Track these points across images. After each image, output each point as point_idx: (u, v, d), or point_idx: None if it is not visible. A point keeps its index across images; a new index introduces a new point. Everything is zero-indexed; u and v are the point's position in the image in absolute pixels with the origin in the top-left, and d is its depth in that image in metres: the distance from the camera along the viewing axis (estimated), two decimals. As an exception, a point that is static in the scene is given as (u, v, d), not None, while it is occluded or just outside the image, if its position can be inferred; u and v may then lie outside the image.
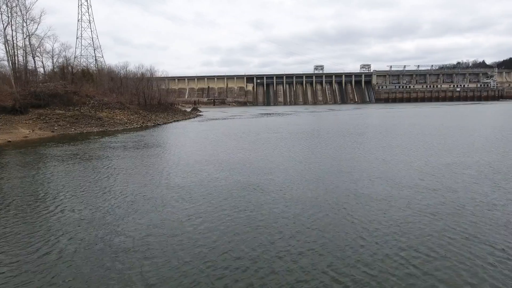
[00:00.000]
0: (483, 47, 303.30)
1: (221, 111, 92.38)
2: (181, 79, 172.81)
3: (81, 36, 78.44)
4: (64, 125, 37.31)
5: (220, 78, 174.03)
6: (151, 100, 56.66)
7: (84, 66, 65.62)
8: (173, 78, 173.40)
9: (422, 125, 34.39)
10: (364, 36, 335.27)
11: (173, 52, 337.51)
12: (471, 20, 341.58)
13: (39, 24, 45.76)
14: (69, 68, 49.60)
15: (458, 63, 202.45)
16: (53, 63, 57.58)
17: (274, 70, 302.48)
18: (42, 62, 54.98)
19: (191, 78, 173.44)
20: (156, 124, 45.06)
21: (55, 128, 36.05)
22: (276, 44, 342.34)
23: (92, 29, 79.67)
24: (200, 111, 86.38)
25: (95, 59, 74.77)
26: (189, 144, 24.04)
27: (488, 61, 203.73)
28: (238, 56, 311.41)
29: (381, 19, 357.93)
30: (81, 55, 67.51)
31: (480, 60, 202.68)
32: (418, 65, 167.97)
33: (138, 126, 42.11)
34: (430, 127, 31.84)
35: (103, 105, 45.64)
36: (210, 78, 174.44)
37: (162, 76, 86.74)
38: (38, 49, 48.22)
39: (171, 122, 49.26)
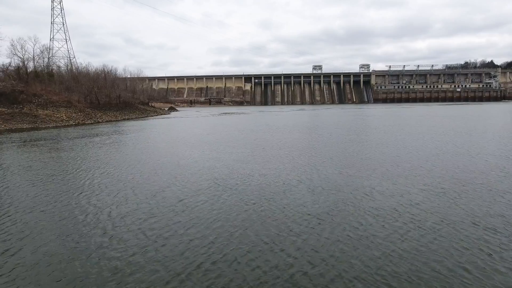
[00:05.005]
0: (498, 47, 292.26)
1: (197, 110, 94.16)
2: (180, 78, 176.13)
3: (53, 38, 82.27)
4: (-3, 121, 39.92)
5: (219, 78, 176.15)
6: (110, 99, 59.08)
7: (58, 66, 68.57)
8: (172, 78, 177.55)
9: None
10: (374, 36, 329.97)
11: (183, 52, 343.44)
12: (484, 19, 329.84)
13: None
14: (24, 68, 52.54)
15: (466, 62, 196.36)
16: (34, 64, 61.31)
17: (284, 70, 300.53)
18: (24, 62, 58.74)
19: (190, 78, 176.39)
20: (96, 122, 47.26)
21: (-13, 124, 38.69)
22: (285, 44, 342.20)
23: (65, 31, 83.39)
24: (177, 110, 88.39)
25: (69, 60, 78.16)
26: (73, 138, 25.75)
27: (502, 61, 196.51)
28: (248, 56, 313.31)
29: (390, 19, 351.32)
30: (52, 55, 71.08)
31: (488, 60, 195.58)
32: (418, 65, 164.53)
33: (74, 123, 44.34)
34: None
35: (49, 103, 48.25)
36: (209, 78, 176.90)
37: (139, 76, 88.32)
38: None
39: (118, 121, 51.32)
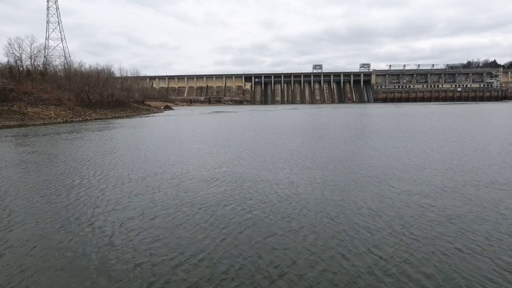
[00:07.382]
0: (502, 46, 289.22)
1: (191, 109, 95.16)
2: (180, 78, 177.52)
3: (49, 37, 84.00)
4: (-15, 119, 41.23)
5: (219, 77, 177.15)
6: (102, 97, 60.31)
7: (53, 66, 70.07)
8: (173, 77, 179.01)
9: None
10: (376, 36, 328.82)
11: (185, 52, 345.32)
12: (487, 19, 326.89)
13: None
14: (17, 67, 53.96)
15: (469, 62, 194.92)
16: (31, 63, 62.87)
17: (286, 69, 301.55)
18: (21, 61, 60.31)
19: (190, 77, 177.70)
20: (85, 120, 48.43)
21: (-26, 121, 40.01)
22: (287, 44, 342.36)
23: (61, 30, 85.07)
24: (172, 109, 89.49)
25: (65, 58, 79.77)
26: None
27: (505, 61, 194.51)
28: (250, 55, 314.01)
29: (392, 18, 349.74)
30: (48, 54, 72.63)
31: (491, 59, 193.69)
32: (419, 65, 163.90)
33: (62, 121, 45.51)
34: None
35: (40, 101, 49.53)
36: (209, 77, 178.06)
37: (138, 75, 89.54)
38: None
39: (108, 119, 52.41)
